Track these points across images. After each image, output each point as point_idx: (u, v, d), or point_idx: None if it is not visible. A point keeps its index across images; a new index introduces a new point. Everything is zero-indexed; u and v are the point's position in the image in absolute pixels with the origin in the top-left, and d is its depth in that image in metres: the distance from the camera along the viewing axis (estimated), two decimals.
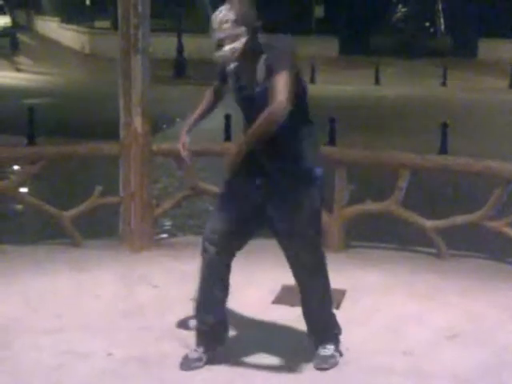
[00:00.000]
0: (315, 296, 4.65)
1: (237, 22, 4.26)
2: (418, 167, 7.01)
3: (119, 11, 6.88)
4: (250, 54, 4.35)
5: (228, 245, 4.58)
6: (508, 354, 4.96)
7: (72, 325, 5.30)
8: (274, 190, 4.46)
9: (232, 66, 4.44)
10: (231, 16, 4.26)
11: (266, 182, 4.47)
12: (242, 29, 4.28)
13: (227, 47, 4.30)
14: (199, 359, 4.68)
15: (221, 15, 4.29)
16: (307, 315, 4.72)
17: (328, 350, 4.70)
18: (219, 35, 4.30)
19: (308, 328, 4.76)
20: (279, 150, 4.40)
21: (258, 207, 4.51)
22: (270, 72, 4.25)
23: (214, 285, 4.64)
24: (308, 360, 4.70)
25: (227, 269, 4.65)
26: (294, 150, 4.44)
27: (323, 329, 4.74)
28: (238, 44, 4.29)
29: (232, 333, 4.91)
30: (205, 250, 4.61)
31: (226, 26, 4.27)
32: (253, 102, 4.38)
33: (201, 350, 4.70)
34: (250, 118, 4.38)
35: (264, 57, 4.33)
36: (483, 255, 7.04)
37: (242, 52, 4.32)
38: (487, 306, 5.73)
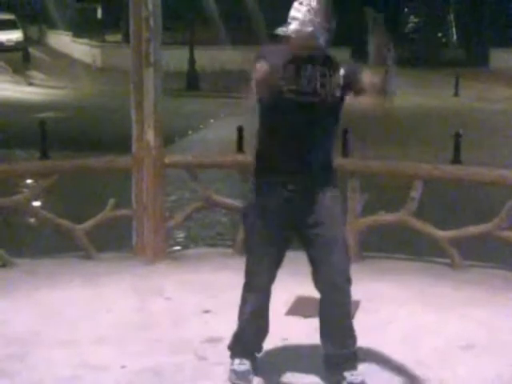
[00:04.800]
0: (347, 305, 4.55)
1: (315, 11, 4.20)
2: (430, 177, 7.00)
3: (131, 25, 6.92)
4: (323, 58, 4.35)
5: (273, 276, 4.61)
6: None
7: (86, 337, 5.31)
8: (313, 198, 4.43)
9: (295, 67, 4.31)
10: (313, 3, 4.20)
11: (300, 191, 4.42)
12: (316, 19, 4.21)
13: (293, 26, 4.17)
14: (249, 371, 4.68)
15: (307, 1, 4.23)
16: (334, 329, 4.57)
17: (356, 377, 4.56)
18: (293, 13, 4.21)
19: (331, 347, 4.59)
20: (322, 159, 4.45)
21: (289, 219, 4.46)
22: (351, 79, 4.36)
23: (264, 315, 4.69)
24: (321, 370, 4.69)
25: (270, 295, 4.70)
26: (330, 157, 4.51)
27: (349, 346, 4.59)
28: (305, 29, 4.18)
29: None
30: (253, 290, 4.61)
31: (304, 8, 4.21)
32: (319, 111, 4.35)
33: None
34: (298, 127, 4.34)
35: (342, 71, 4.37)
36: (497, 265, 7.01)
37: (317, 53, 4.31)
38: (502, 317, 5.71)
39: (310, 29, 4.20)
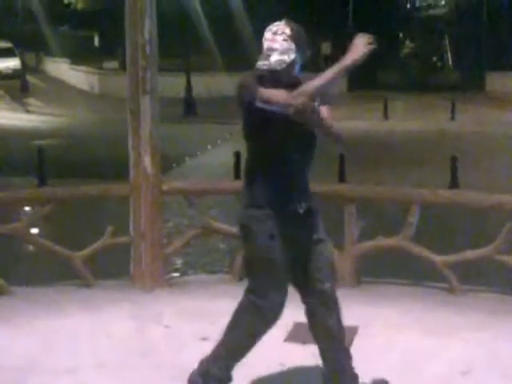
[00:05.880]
0: (335, 331, 4.57)
1: (290, 38, 4.27)
2: (428, 203, 7.01)
3: (127, 53, 6.94)
4: (293, 82, 4.33)
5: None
6: None
7: (85, 365, 5.30)
8: (307, 226, 4.48)
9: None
10: (287, 31, 4.28)
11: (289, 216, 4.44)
12: (293, 46, 4.27)
13: (274, 58, 4.25)
14: None
15: (276, 27, 4.30)
16: (329, 358, 4.62)
17: None
18: (271, 45, 4.27)
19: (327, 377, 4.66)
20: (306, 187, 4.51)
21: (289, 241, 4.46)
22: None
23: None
24: None
25: None
26: (307, 182, 4.54)
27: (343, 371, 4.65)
28: (287, 58, 4.25)
29: (244, 371, 4.87)
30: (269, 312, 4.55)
31: (279, 37, 4.27)
32: (299, 138, 4.38)
33: None
34: (286, 145, 4.36)
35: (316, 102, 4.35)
36: (495, 289, 7.01)
37: (286, 77, 4.30)
38: (501, 341, 5.70)
39: (290, 58, 4.25)
